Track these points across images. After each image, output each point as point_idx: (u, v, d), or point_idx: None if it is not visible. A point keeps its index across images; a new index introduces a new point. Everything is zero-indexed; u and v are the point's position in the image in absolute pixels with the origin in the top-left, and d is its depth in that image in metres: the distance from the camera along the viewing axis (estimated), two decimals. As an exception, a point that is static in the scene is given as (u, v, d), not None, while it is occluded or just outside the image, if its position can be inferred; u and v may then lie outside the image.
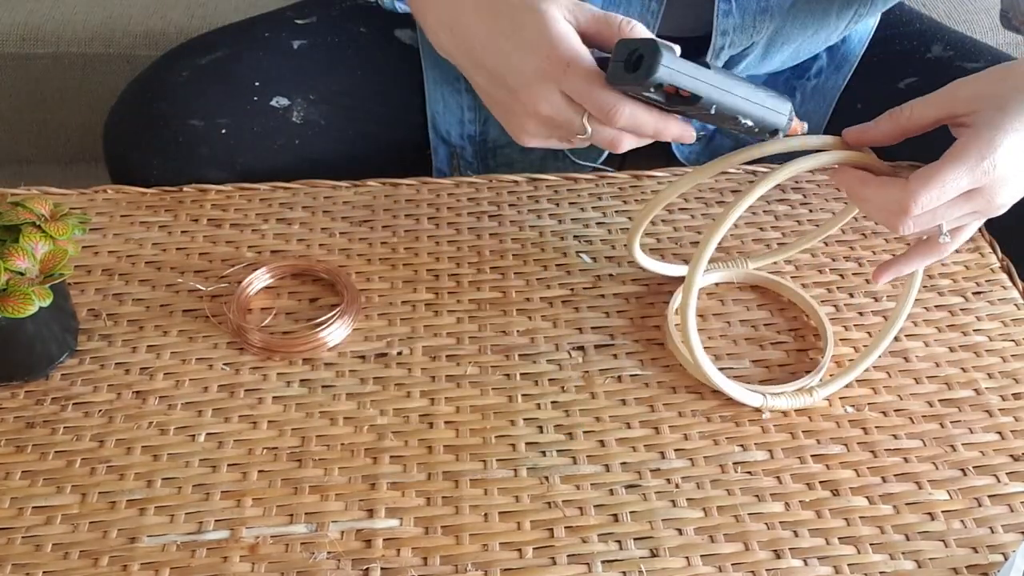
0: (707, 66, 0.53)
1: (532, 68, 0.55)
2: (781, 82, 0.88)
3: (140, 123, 0.78)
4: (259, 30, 0.84)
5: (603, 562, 0.53)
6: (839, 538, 0.55)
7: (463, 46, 0.59)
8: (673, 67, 0.51)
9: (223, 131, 0.77)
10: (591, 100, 0.54)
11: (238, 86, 0.79)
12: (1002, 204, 0.55)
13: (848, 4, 0.77)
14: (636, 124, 0.55)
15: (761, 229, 0.75)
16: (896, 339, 0.66)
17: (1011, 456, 0.59)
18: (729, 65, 0.80)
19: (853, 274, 0.71)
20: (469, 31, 0.58)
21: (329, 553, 0.53)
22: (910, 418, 0.61)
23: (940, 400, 0.63)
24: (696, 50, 0.77)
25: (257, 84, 0.79)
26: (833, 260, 0.72)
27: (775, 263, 0.71)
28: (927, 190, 0.52)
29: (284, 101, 0.79)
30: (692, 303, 0.58)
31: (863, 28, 0.86)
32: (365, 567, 0.52)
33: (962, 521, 0.56)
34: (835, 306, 0.69)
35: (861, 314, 0.68)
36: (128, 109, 0.80)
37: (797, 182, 0.79)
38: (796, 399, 0.61)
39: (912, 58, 0.87)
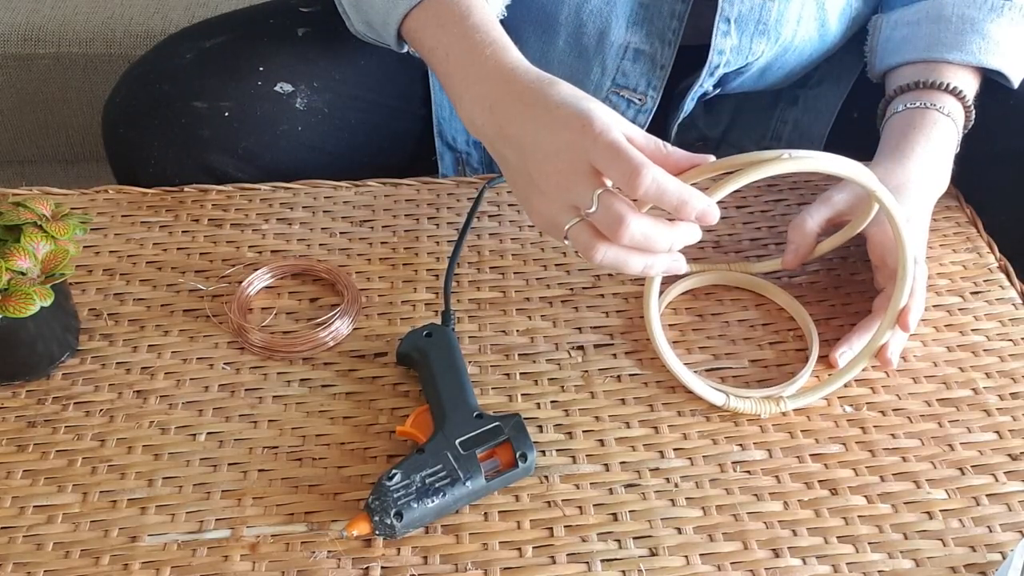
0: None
1: (563, 140, 0.54)
2: (785, 89, 0.88)
3: (142, 104, 0.77)
4: (264, 17, 0.84)
5: (602, 561, 0.53)
6: (838, 537, 0.55)
7: (497, 123, 0.58)
8: None
9: (226, 114, 0.77)
10: (618, 158, 0.51)
11: (242, 70, 0.78)
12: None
13: (850, 27, 0.78)
14: (660, 191, 0.51)
15: (758, 229, 0.75)
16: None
17: (1009, 455, 0.59)
18: (724, 82, 0.81)
19: (851, 274, 0.71)
20: (508, 110, 0.57)
21: (329, 552, 0.53)
22: (908, 417, 0.62)
23: (938, 399, 0.63)
24: (700, 58, 0.77)
25: (261, 69, 0.78)
26: (831, 260, 0.72)
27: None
28: None
29: (288, 87, 0.79)
30: (654, 297, 0.60)
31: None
32: (365, 566, 0.53)
33: (960, 520, 0.56)
34: (832, 305, 0.69)
35: (857, 313, 0.68)
36: (129, 90, 0.78)
37: (794, 183, 0.79)
38: (762, 405, 0.61)
39: None
